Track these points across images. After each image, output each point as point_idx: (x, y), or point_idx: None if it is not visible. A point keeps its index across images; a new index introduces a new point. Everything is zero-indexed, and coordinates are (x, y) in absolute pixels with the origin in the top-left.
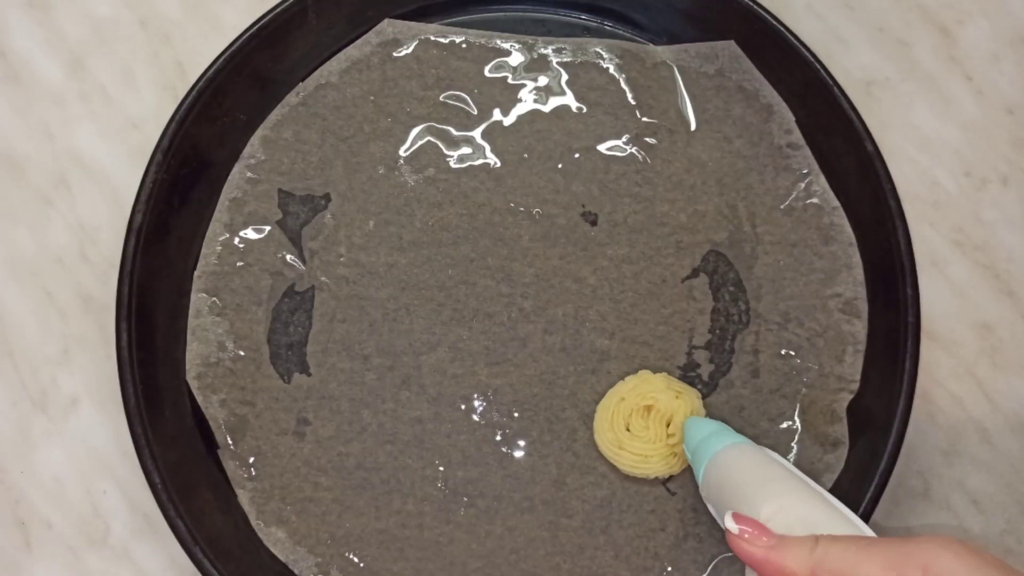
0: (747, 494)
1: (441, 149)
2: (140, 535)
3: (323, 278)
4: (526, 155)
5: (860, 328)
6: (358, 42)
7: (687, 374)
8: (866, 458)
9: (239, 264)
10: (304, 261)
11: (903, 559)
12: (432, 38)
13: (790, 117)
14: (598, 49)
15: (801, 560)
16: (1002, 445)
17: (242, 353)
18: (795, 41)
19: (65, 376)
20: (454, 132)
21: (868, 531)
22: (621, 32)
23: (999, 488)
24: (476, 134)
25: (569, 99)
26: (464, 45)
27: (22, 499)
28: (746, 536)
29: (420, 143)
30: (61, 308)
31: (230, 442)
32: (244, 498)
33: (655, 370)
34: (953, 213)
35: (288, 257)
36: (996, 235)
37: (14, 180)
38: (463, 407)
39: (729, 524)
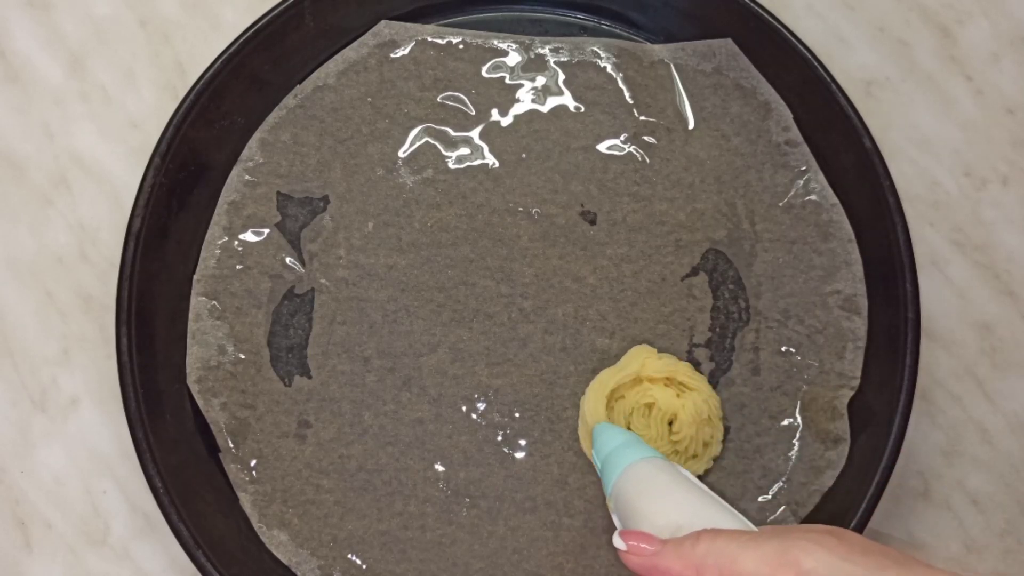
0: (650, 508)
1: (439, 150)
2: (140, 535)
3: (323, 280)
4: (524, 155)
5: (860, 324)
6: (355, 44)
7: None
8: (867, 454)
9: (238, 267)
10: (303, 263)
11: (778, 555)
12: (429, 39)
13: (788, 114)
14: (595, 48)
15: (684, 559)
16: (1002, 445)
17: (242, 356)
18: (792, 38)
19: (65, 376)
20: (452, 133)
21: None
22: (618, 31)
23: (999, 488)
24: (474, 135)
25: (567, 99)
26: (461, 46)
27: (22, 499)
28: (634, 550)
29: (418, 144)
30: (61, 308)
31: (231, 445)
32: (246, 501)
33: None
34: (953, 213)
35: (287, 260)
36: (996, 235)
37: (14, 180)
38: (464, 408)
39: (617, 543)
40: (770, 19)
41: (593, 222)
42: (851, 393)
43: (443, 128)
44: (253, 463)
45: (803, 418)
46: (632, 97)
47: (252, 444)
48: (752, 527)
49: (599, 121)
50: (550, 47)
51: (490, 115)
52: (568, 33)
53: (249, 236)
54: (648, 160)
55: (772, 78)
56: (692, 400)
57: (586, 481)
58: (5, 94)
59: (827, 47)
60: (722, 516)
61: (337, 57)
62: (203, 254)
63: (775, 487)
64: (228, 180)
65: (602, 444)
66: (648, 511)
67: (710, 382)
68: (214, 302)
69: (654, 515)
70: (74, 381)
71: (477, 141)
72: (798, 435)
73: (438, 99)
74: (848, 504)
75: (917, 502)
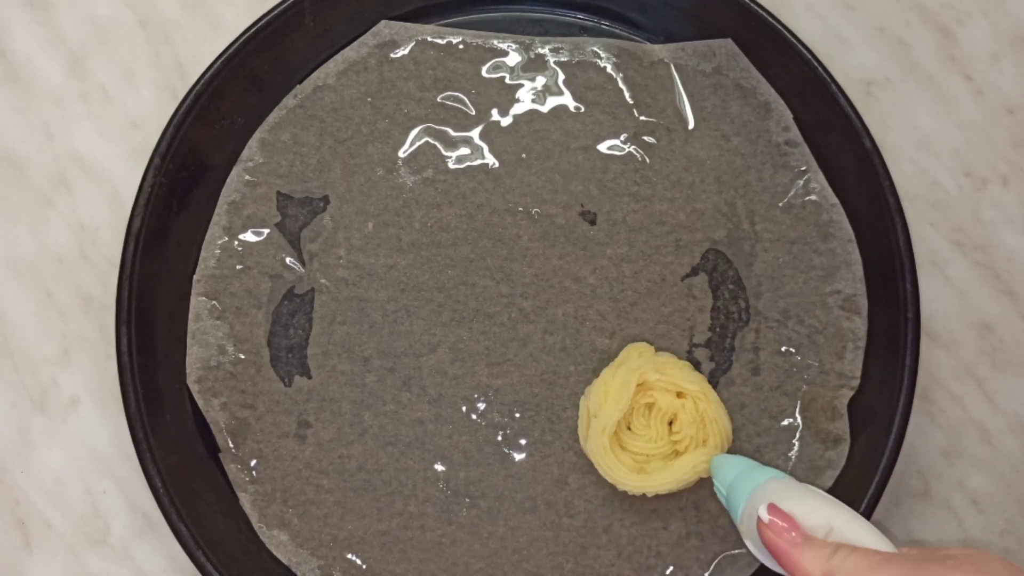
0: (799, 509)
1: (439, 150)
2: (140, 535)
3: (323, 280)
4: (524, 155)
5: (860, 324)
6: (355, 44)
7: None
8: (868, 454)
9: (238, 267)
10: (303, 263)
11: None
12: (429, 39)
13: (788, 114)
14: (595, 48)
15: (818, 564)
16: (1002, 445)
17: (242, 356)
18: (792, 38)
19: (65, 376)
20: (452, 133)
21: (893, 550)
22: (618, 31)
23: (999, 488)
24: (474, 135)
25: (567, 99)
26: (461, 46)
27: (22, 499)
28: (775, 527)
29: (418, 144)
30: (61, 308)
31: (231, 445)
32: (246, 501)
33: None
34: (953, 213)
35: (287, 260)
36: (996, 235)
37: (14, 180)
38: (464, 408)
39: (762, 513)
40: (770, 19)
41: (593, 222)
42: (851, 393)
43: (443, 128)
44: (253, 463)
45: (803, 418)
46: (632, 97)
47: (252, 444)
48: (893, 549)
49: (599, 121)
50: (550, 47)
51: (490, 115)
52: (568, 33)
53: (249, 236)
54: (648, 160)
55: (772, 78)
56: (693, 402)
57: (586, 481)
58: (5, 94)
59: (827, 47)
60: (867, 532)
61: (337, 57)
62: (203, 254)
63: None
64: (228, 180)
65: (725, 472)
66: (798, 511)
67: (710, 382)
68: (214, 302)
69: (804, 515)
70: (74, 381)
71: (477, 141)
72: (798, 435)
73: (438, 99)
74: (848, 504)
75: (917, 502)
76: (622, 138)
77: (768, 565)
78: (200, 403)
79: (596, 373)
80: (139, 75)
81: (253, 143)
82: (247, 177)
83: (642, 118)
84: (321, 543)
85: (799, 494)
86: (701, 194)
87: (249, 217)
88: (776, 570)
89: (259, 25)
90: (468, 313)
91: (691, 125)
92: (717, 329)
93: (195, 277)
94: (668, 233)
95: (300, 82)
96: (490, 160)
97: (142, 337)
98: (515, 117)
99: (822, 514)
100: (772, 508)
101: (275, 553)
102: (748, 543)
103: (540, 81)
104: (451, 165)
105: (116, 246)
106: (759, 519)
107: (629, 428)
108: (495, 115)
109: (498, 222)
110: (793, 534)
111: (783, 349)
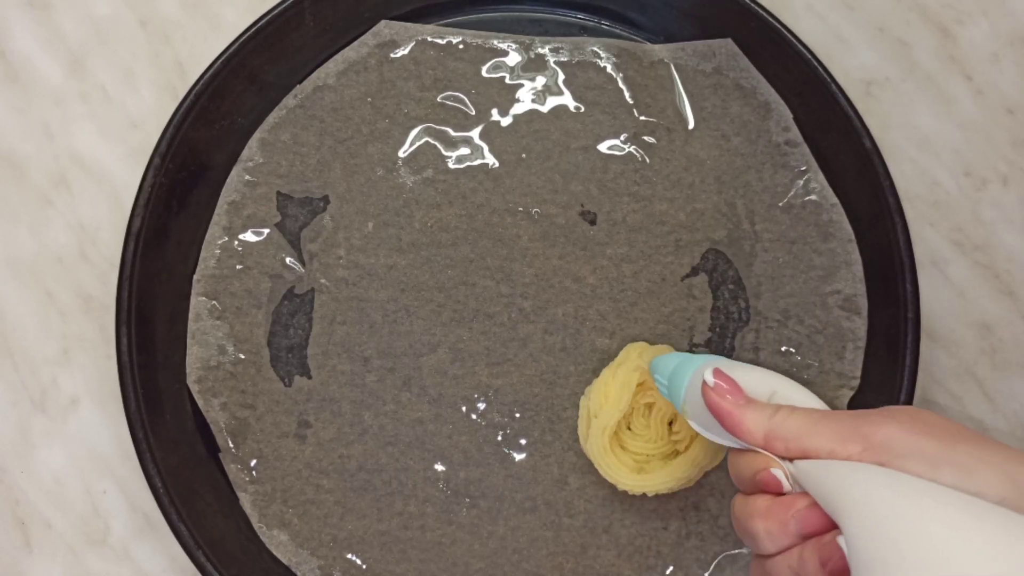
0: (742, 378)
1: (439, 150)
2: (140, 535)
3: (323, 280)
4: (524, 155)
5: (860, 325)
6: (355, 44)
7: None
8: None
9: (238, 267)
10: (303, 263)
11: (849, 431)
12: (429, 39)
13: (788, 114)
14: (595, 48)
15: (759, 423)
16: None
17: (242, 356)
18: (792, 38)
19: (65, 376)
20: (452, 133)
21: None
22: (618, 31)
23: None
24: (474, 135)
25: (567, 99)
26: (461, 46)
27: (22, 499)
28: (720, 389)
29: (418, 144)
30: (61, 308)
31: (231, 445)
32: (246, 501)
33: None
34: (953, 213)
35: (287, 260)
36: (996, 235)
37: (14, 180)
38: (464, 408)
39: (708, 376)
40: (770, 19)
41: (593, 222)
42: (851, 393)
43: (443, 128)
44: (253, 463)
45: None
46: (632, 97)
47: (252, 444)
48: (820, 401)
49: (599, 121)
50: (550, 47)
51: (490, 115)
52: (568, 33)
53: (249, 236)
54: (648, 160)
55: (772, 78)
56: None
57: (586, 481)
58: (5, 94)
59: (827, 47)
60: (807, 397)
61: (337, 57)
62: (203, 254)
63: None
64: (228, 180)
65: (665, 364)
66: (741, 380)
67: None
68: (214, 302)
69: (747, 383)
70: (74, 381)
71: (477, 141)
72: None
73: (438, 99)
74: None
75: None
76: (622, 138)
77: (714, 439)
78: (200, 403)
79: (596, 373)
80: (139, 75)
81: (253, 143)
82: (247, 177)
83: (642, 118)
84: (321, 543)
85: (741, 366)
86: (701, 194)
87: (249, 217)
88: (722, 442)
89: (259, 25)
90: (468, 313)
91: (691, 125)
92: (717, 329)
93: (195, 277)
94: (668, 233)
95: (300, 82)
96: (490, 160)
97: (142, 337)
98: (515, 117)
99: (764, 382)
100: (717, 372)
101: (275, 553)
102: (693, 424)
103: (540, 81)
104: (451, 165)
105: (116, 246)
106: (704, 384)
107: (629, 428)
108: (495, 115)
109: (498, 222)
110: (735, 397)
111: (783, 349)
